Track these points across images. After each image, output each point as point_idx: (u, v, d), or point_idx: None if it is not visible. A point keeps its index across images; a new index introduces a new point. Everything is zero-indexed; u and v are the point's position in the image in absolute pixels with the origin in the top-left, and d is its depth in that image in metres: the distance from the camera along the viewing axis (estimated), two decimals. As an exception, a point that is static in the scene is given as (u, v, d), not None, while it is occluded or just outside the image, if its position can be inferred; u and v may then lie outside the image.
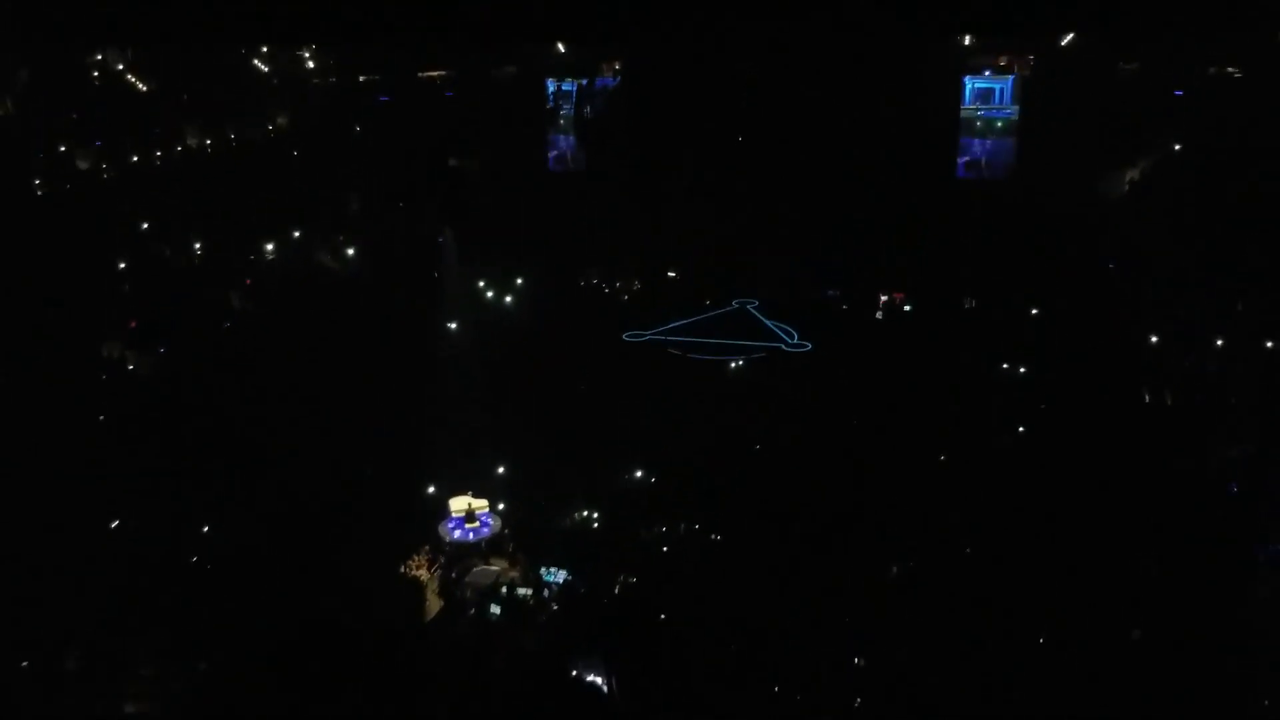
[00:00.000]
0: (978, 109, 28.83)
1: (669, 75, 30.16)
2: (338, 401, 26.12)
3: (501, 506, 25.07)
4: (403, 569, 22.83)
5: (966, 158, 29.22)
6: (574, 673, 16.16)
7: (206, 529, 23.29)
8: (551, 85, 32.08)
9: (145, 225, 30.83)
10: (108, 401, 26.53)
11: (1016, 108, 28.53)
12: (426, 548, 23.76)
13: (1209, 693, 16.35)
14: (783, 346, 29.81)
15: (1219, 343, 26.51)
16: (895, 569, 21.30)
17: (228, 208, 30.83)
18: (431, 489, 25.37)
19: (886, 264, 30.67)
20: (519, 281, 32.22)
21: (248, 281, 31.71)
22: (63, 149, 29.16)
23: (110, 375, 27.91)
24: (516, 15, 10.86)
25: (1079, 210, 28.05)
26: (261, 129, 33.10)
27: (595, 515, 24.66)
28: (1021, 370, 27.89)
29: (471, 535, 24.15)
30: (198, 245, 31.82)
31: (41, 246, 25.77)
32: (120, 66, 28.91)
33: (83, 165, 29.46)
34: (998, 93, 28.53)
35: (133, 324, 28.82)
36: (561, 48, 29.19)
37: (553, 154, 32.66)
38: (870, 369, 27.69)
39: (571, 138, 32.19)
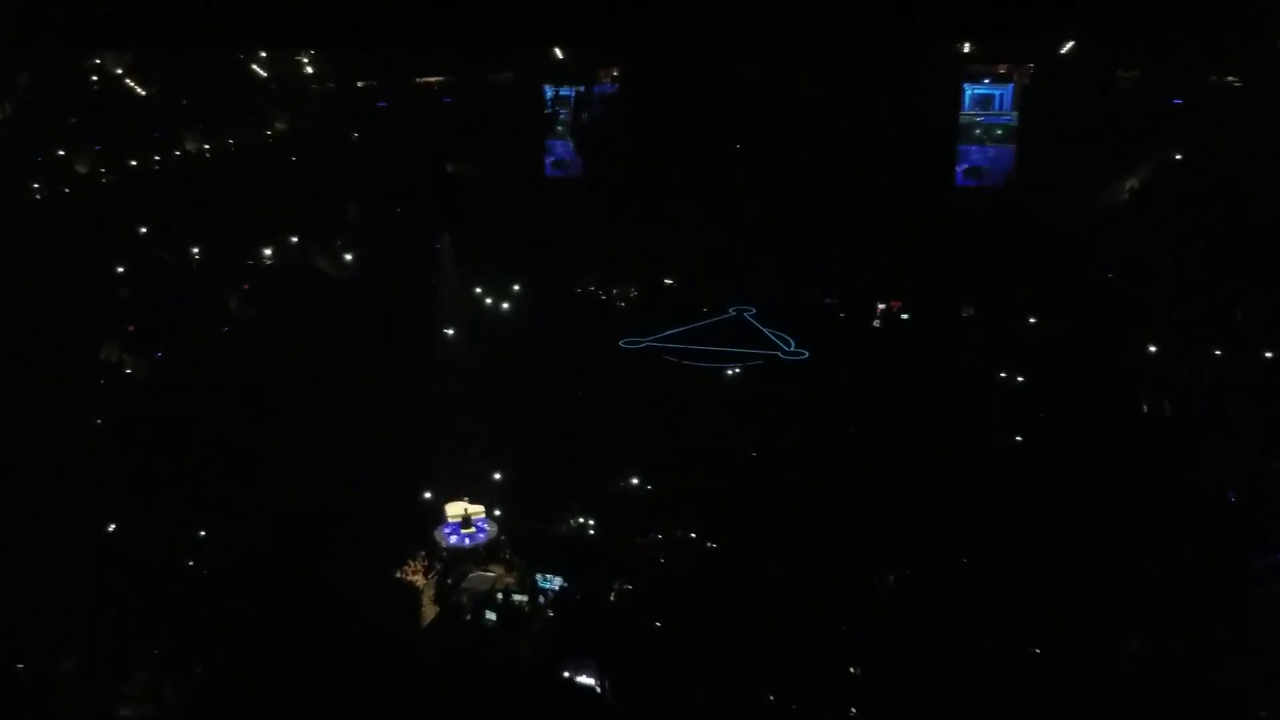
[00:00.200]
0: (977, 115, 28.81)
1: (667, 82, 30.15)
2: (335, 406, 26.09)
3: (498, 512, 25.04)
4: (399, 574, 22.81)
5: (965, 165, 29.19)
6: (569, 678, 16.10)
7: (203, 533, 23.27)
8: (549, 91, 32.07)
9: (144, 229, 30.85)
10: (105, 405, 26.52)
11: (1016, 114, 28.52)
12: (423, 553, 23.75)
13: (1207, 699, 16.33)
14: (779, 354, 29.76)
15: (1217, 352, 26.50)
16: (892, 577, 21.28)
17: (226, 212, 30.82)
18: (428, 494, 25.35)
19: (884, 272, 30.64)
20: (516, 288, 32.20)
21: (246, 286, 31.69)
22: (62, 153, 29.17)
23: (108, 379, 27.88)
24: (514, 18, 10.83)
25: (1077, 218, 28.04)
26: (260, 134, 33.09)
27: (591, 522, 24.64)
28: (1019, 379, 27.86)
29: (468, 541, 24.13)
30: (196, 249, 31.83)
31: (40, 250, 25.78)
32: (119, 70, 28.91)
33: (81, 169, 29.45)
34: (997, 99, 28.51)
35: (131, 328, 28.82)
36: (559, 53, 29.17)
37: (550, 159, 32.64)
38: (867, 377, 27.64)
39: (569, 143, 32.17)
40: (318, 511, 23.14)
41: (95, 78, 28.93)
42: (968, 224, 28.72)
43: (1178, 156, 27.79)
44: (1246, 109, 25.59)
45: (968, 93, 28.73)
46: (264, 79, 30.82)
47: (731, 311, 31.87)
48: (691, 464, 25.19)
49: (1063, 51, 26.63)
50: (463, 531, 24.20)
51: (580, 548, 23.80)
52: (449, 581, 22.85)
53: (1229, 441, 24.06)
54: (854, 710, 17.49)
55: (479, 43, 22.62)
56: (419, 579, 22.88)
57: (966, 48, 27.86)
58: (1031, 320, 28.96)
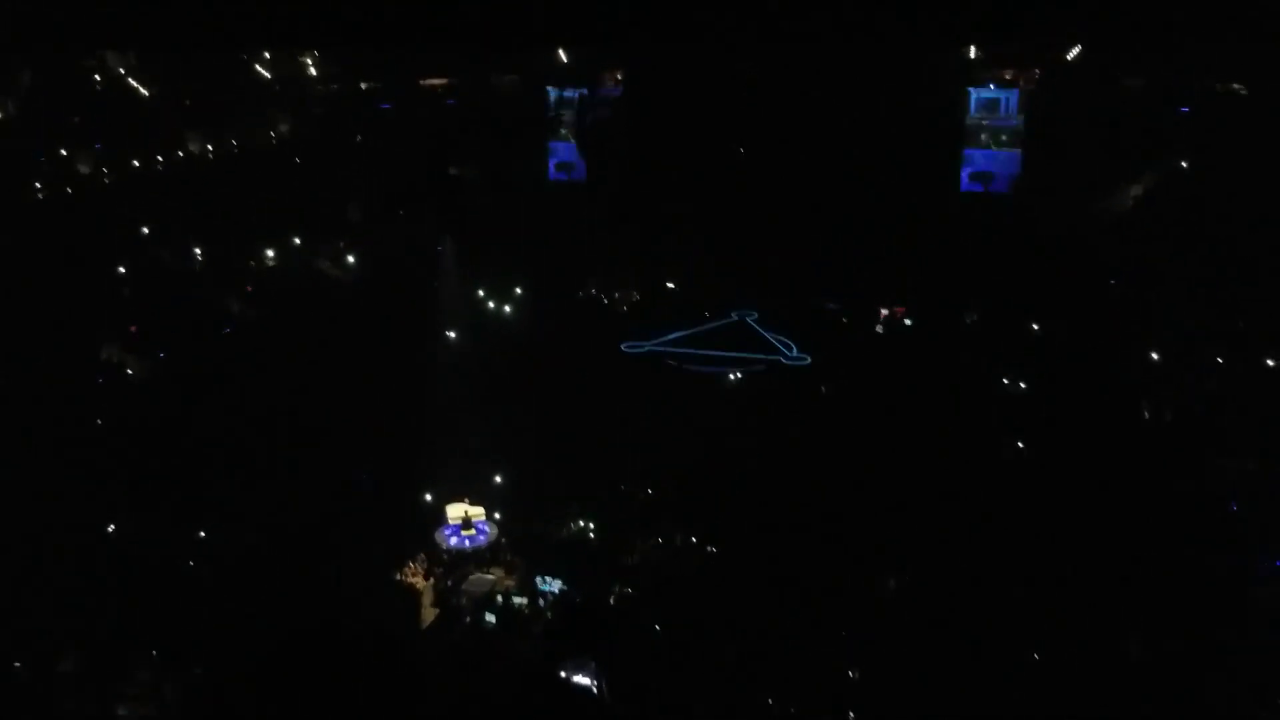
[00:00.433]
0: (983, 120, 28.72)
1: (671, 86, 30.10)
2: (336, 408, 26.07)
3: (498, 515, 25.00)
4: (399, 576, 22.78)
5: (970, 169, 29.10)
6: (567, 681, 16.06)
7: (203, 534, 23.24)
8: (553, 93, 32.02)
9: (145, 230, 30.82)
10: (106, 406, 26.50)
11: (1022, 118, 28.43)
12: (423, 555, 23.71)
13: (1208, 706, 16.29)
14: (782, 359, 29.71)
15: (1219, 359, 26.46)
16: (892, 583, 21.23)
17: (228, 213, 30.80)
18: (428, 496, 25.31)
19: (887, 277, 30.59)
20: (518, 291, 32.18)
21: (248, 288, 31.67)
22: (64, 153, 29.16)
23: (109, 380, 27.87)
24: (518, 20, 10.80)
25: (1083, 225, 27.99)
26: (263, 135, 33.08)
27: (592, 525, 24.60)
28: (1022, 385, 27.81)
29: (468, 543, 24.10)
30: (198, 251, 31.81)
31: (41, 250, 25.77)
32: (122, 70, 28.89)
33: (83, 169, 29.44)
34: (1003, 103, 28.41)
35: (132, 329, 28.81)
36: (563, 56, 29.14)
37: (553, 162, 32.59)
38: (870, 383, 27.60)
39: (573, 146, 32.11)
40: (318, 512, 23.11)
41: (97, 78, 28.92)
42: (972, 229, 28.67)
43: (1183, 164, 27.75)
44: (1253, 117, 25.54)
45: (973, 97, 28.65)
46: (267, 80, 30.78)
47: (734, 315, 31.83)
48: (692, 468, 25.14)
49: (1069, 57, 26.59)
50: (463, 534, 24.17)
51: (580, 550, 23.76)
52: (449, 584, 22.83)
53: (1231, 450, 24.03)
54: (853, 714, 17.45)
55: (482, 45, 22.61)
56: (419, 581, 22.86)
57: (972, 52, 27.81)
58: (1035, 326, 28.92)
